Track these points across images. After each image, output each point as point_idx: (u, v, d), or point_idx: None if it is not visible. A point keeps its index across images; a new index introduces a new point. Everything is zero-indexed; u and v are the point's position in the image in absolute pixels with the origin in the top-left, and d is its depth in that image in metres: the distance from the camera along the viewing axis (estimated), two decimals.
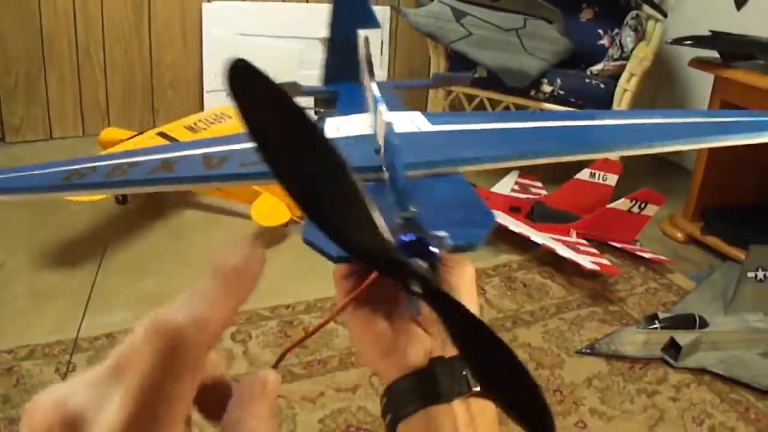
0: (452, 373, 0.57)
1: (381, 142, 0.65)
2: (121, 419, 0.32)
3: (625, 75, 3.26)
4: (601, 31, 3.65)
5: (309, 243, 0.56)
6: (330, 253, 0.55)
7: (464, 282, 0.62)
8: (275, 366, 0.64)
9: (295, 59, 4.01)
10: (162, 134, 2.91)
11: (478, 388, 0.56)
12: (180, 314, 0.35)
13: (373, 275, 0.61)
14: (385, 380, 0.61)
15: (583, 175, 3.00)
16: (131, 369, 0.33)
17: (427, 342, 0.59)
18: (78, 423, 0.33)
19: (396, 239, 0.46)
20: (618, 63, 3.37)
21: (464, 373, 0.57)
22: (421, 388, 0.57)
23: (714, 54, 2.87)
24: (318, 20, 4.06)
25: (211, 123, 3.13)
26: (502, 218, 2.81)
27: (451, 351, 0.58)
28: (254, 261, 0.40)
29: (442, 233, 0.50)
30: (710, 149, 2.72)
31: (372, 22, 1.14)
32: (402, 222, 0.50)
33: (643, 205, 2.83)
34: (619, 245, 2.92)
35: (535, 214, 2.91)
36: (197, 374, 0.35)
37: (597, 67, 3.46)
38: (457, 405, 0.56)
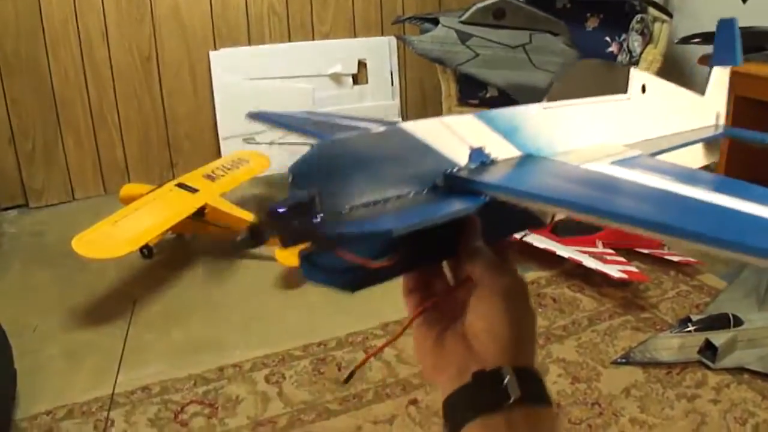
0: (492, 385, 0.60)
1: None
2: None
3: None
4: (608, 39, 3.64)
5: (312, 280, 0.62)
6: (335, 285, 0.64)
7: (483, 300, 0.65)
8: (347, 381, 0.73)
9: (308, 98, 4.04)
10: (181, 185, 2.93)
11: (519, 396, 0.60)
12: None
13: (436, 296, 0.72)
14: (442, 394, 0.65)
15: None
16: None
17: (469, 357, 0.64)
18: None
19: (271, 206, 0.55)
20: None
21: (504, 383, 0.60)
22: (466, 403, 0.62)
23: None
24: (326, 57, 4.10)
25: (229, 169, 3.15)
26: (528, 235, 2.79)
27: (492, 364, 0.62)
28: None
29: (317, 218, 0.55)
30: (730, 143, 2.69)
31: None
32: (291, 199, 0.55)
33: None
34: (646, 251, 2.90)
35: (559, 228, 2.89)
36: None
37: None
38: (503, 415, 0.59)
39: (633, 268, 2.68)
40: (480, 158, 0.68)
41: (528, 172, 0.70)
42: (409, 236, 0.60)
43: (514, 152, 0.72)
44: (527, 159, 0.72)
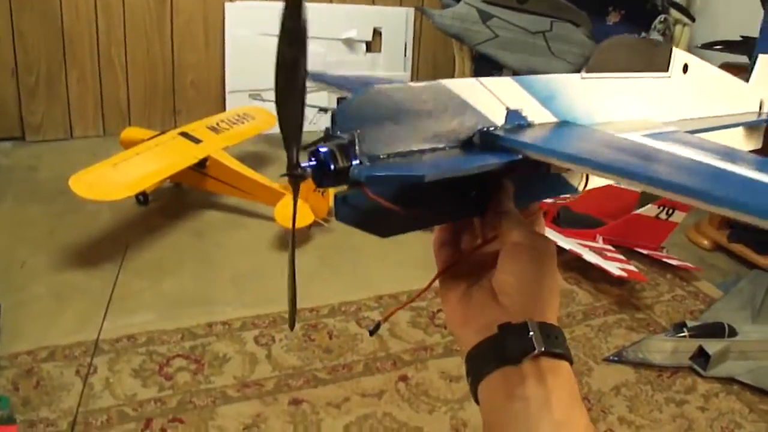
0: (519, 337, 0.62)
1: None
2: None
3: None
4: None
5: (344, 221, 0.64)
6: (366, 228, 0.65)
7: (513, 257, 0.67)
8: (372, 332, 0.79)
9: (319, 61, 3.99)
10: (184, 134, 2.89)
11: (543, 349, 0.61)
12: None
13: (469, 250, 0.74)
14: (464, 347, 0.68)
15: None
16: None
17: (497, 311, 0.65)
18: None
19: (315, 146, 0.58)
20: None
21: (530, 335, 0.62)
22: (493, 353, 0.64)
23: (744, 59, 2.83)
24: (342, 21, 4.05)
25: (234, 123, 3.11)
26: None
27: (519, 318, 0.63)
28: None
29: (355, 162, 0.57)
30: None
31: None
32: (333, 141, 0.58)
33: (670, 212, 2.80)
34: (645, 252, 2.88)
35: (561, 219, 2.87)
36: None
37: None
38: (527, 365, 0.61)
39: (632, 267, 2.67)
40: (517, 120, 0.69)
41: (564, 136, 0.72)
42: (442, 189, 0.64)
43: (550, 118, 0.73)
44: (564, 125, 0.74)
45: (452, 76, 3.61)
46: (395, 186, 0.64)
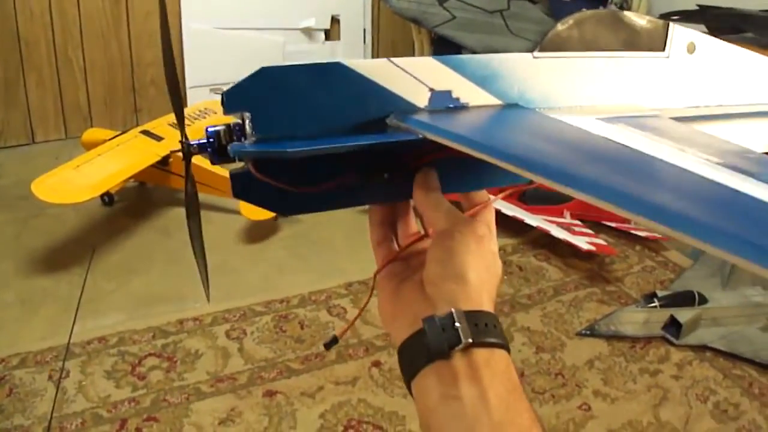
0: (444, 329, 0.58)
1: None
2: None
3: None
4: (585, 9, 3.62)
5: (241, 199, 0.64)
6: (265, 206, 0.65)
7: (436, 244, 0.64)
8: (328, 347, 0.75)
9: (278, 51, 3.98)
10: (146, 132, 2.87)
11: (471, 340, 0.57)
12: None
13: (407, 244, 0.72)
14: (395, 343, 0.64)
15: None
16: None
17: (424, 304, 0.62)
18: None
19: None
20: None
21: (455, 326, 0.58)
22: (418, 349, 0.60)
23: (702, 28, 2.84)
24: (300, 10, 4.04)
25: (195, 119, 3.08)
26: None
27: (446, 310, 0.59)
28: None
29: (242, 141, 0.60)
30: None
31: None
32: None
33: None
34: (613, 225, 2.89)
35: (527, 196, 2.88)
36: None
37: None
38: (458, 359, 0.58)
39: (600, 241, 2.68)
40: (446, 102, 0.65)
41: (498, 122, 0.67)
42: (345, 169, 0.63)
43: (492, 100, 0.67)
44: (507, 108, 0.68)
45: None
46: (283, 166, 0.61)
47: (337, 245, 2.64)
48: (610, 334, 2.23)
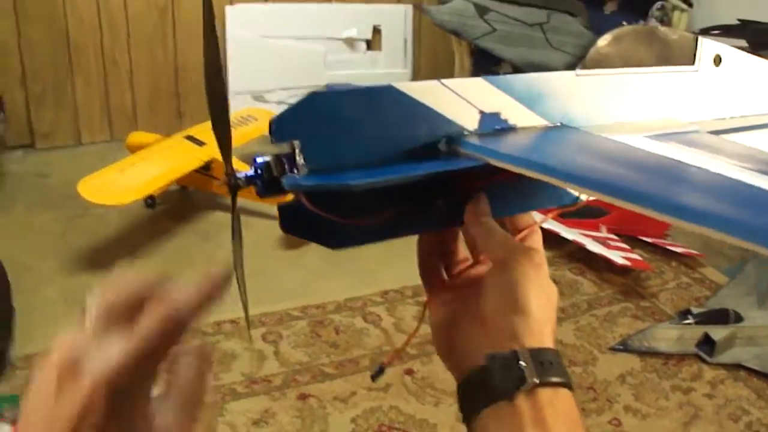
0: (509, 368, 0.56)
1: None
2: (118, 365, 0.45)
3: None
4: (626, 23, 3.62)
5: (289, 233, 0.62)
6: (314, 240, 0.62)
7: (495, 277, 0.62)
8: (375, 378, 0.74)
9: (320, 61, 4.01)
10: (189, 137, 2.92)
11: (537, 381, 0.55)
12: (181, 298, 0.50)
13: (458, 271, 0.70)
14: (456, 379, 0.62)
15: None
16: (131, 328, 0.47)
17: (484, 339, 0.60)
18: (76, 366, 0.46)
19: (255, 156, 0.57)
20: None
21: (521, 366, 0.56)
22: (482, 387, 0.58)
23: (742, 43, 2.84)
24: (342, 20, 4.07)
25: (237, 125, 3.12)
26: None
27: (509, 346, 0.58)
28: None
29: (294, 172, 0.56)
30: None
31: None
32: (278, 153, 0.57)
33: None
34: (649, 240, 2.89)
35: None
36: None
37: None
38: (521, 400, 0.55)
39: (636, 256, 2.68)
40: (495, 124, 0.64)
41: (550, 142, 0.66)
42: (397, 197, 0.61)
43: (539, 121, 0.67)
44: (556, 129, 0.67)
45: (453, 72, 3.64)
46: (340, 198, 0.59)
47: (372, 253, 2.65)
48: (643, 349, 2.23)
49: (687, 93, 0.79)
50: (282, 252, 2.73)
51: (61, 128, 3.76)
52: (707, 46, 0.80)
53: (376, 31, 4.20)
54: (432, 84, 0.61)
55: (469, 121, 0.63)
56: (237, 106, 3.77)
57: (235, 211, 0.66)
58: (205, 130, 3.01)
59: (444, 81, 0.62)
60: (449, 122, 0.62)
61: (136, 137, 3.20)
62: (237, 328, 2.23)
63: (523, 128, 0.66)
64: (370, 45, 4.22)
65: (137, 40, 3.79)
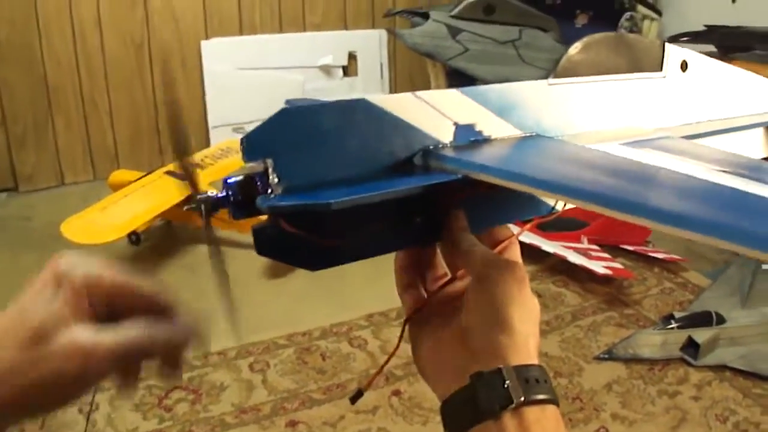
0: (493, 387, 0.55)
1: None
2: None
3: None
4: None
5: (265, 256, 0.60)
6: (291, 262, 0.60)
7: (477, 293, 0.61)
8: (354, 400, 0.70)
9: (298, 89, 4.05)
10: (170, 173, 2.93)
11: (523, 399, 0.55)
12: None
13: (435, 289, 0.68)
14: (438, 398, 0.61)
15: None
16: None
17: (468, 357, 0.59)
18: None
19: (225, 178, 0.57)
20: None
21: (506, 385, 0.55)
22: (467, 407, 0.57)
23: (711, 48, 2.88)
24: (318, 48, 4.11)
25: (218, 158, 3.15)
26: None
27: (493, 363, 0.57)
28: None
29: (268, 191, 0.55)
30: None
31: None
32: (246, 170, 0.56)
33: None
34: (631, 248, 2.91)
35: (544, 223, 2.89)
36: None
37: None
38: (507, 419, 0.55)
39: (617, 265, 2.70)
40: (470, 135, 0.64)
41: (525, 152, 0.66)
42: (374, 215, 0.59)
43: (513, 131, 0.67)
44: (530, 138, 0.67)
45: None
46: (317, 218, 0.57)
47: (356, 277, 2.67)
48: (629, 357, 2.24)
49: (656, 99, 0.80)
50: (266, 281, 2.74)
51: (44, 170, 3.78)
52: (674, 53, 0.82)
53: (352, 57, 4.24)
54: (406, 97, 0.61)
55: (444, 133, 0.63)
56: (217, 139, 3.81)
57: (209, 234, 0.66)
58: None
59: (418, 93, 0.62)
60: (424, 135, 0.62)
61: (119, 175, 3.21)
62: (224, 360, 2.24)
63: (498, 139, 0.66)
64: (347, 71, 4.26)
65: (115, 79, 3.82)
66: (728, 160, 0.65)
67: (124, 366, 0.57)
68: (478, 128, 0.65)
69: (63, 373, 0.52)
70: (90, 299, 0.56)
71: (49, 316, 0.53)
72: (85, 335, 0.53)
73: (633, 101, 0.78)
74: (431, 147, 0.62)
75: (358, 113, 0.59)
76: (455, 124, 0.63)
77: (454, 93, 0.64)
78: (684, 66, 0.82)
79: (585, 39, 0.75)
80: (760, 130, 0.95)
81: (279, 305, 2.56)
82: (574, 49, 0.74)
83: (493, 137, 0.66)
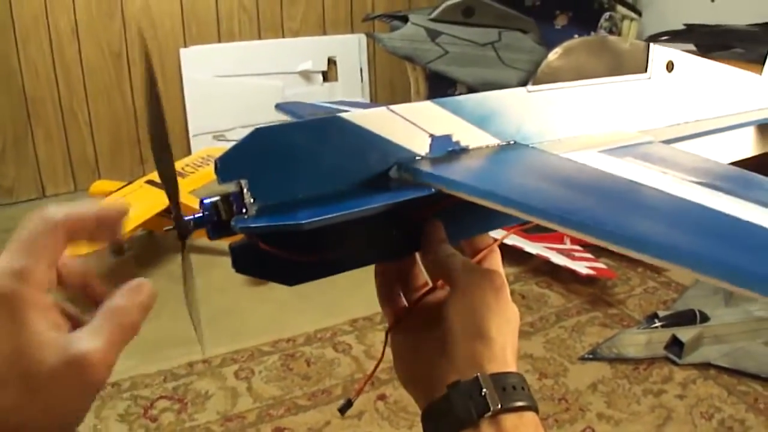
0: (471, 396, 0.56)
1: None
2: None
3: None
4: (577, 36, 3.67)
5: (243, 273, 0.60)
6: (268, 278, 0.61)
7: (455, 301, 0.61)
8: (343, 411, 0.73)
9: (278, 96, 4.04)
10: (151, 182, 2.92)
11: (499, 406, 0.55)
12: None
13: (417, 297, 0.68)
14: (419, 407, 0.61)
15: None
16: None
17: (445, 366, 0.59)
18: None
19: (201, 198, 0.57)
20: None
21: (483, 393, 0.55)
22: (443, 416, 0.57)
23: (690, 47, 2.89)
24: (297, 53, 4.11)
25: (199, 166, 3.14)
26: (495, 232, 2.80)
27: (470, 372, 0.57)
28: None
29: (243, 212, 0.56)
30: None
31: None
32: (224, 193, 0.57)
33: None
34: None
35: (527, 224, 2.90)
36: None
37: None
38: (485, 427, 0.55)
39: (601, 265, 2.70)
40: (446, 146, 0.64)
41: (498, 165, 0.65)
42: (350, 231, 0.59)
43: (491, 140, 0.67)
44: (509, 147, 0.67)
45: (410, 98, 3.67)
46: (292, 237, 0.57)
47: (340, 283, 2.63)
48: (613, 357, 2.24)
49: (641, 101, 0.80)
50: (250, 288, 2.73)
51: (24, 182, 3.76)
52: (659, 53, 0.81)
53: (332, 62, 4.24)
54: (380, 111, 0.61)
55: (419, 145, 0.63)
56: (198, 147, 3.79)
57: (185, 260, 0.65)
58: None
59: (392, 107, 0.62)
60: (400, 148, 0.62)
61: (99, 186, 3.20)
62: (209, 368, 2.24)
63: (476, 149, 0.66)
64: (327, 76, 4.26)
65: (94, 89, 3.80)
66: (706, 169, 0.65)
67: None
68: (455, 139, 0.65)
69: (71, 392, 0.49)
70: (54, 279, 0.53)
71: (29, 346, 0.47)
72: (77, 346, 0.49)
73: (616, 104, 0.77)
74: (407, 159, 0.62)
75: (331, 131, 0.59)
76: (431, 135, 0.63)
77: (428, 105, 0.64)
78: (670, 66, 0.82)
79: (565, 44, 0.74)
80: (750, 127, 0.94)
81: (263, 312, 2.55)
82: (554, 54, 0.73)
83: (470, 147, 0.65)
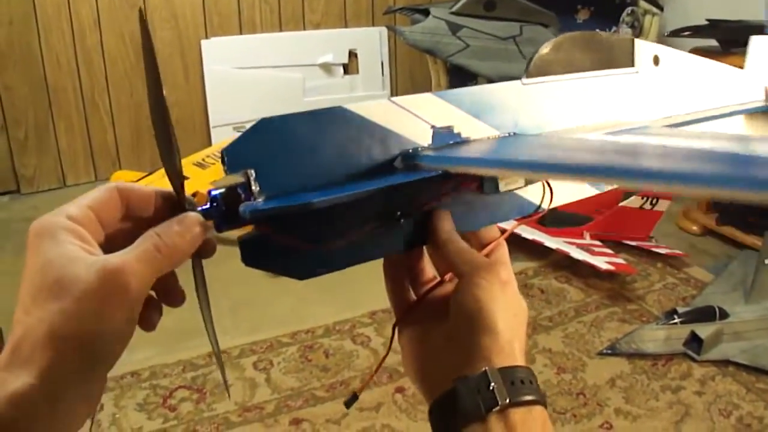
0: (479, 390, 0.56)
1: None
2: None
3: None
4: (598, 31, 3.66)
5: (253, 267, 0.59)
6: (280, 272, 0.60)
7: (463, 295, 0.61)
8: (348, 405, 0.73)
9: (298, 88, 4.05)
10: None
11: (508, 400, 0.55)
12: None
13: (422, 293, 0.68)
14: (427, 401, 0.61)
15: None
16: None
17: (453, 360, 0.59)
18: None
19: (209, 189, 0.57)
20: None
21: (491, 387, 0.55)
22: (451, 410, 0.57)
23: (712, 42, 2.87)
24: (318, 46, 4.11)
25: (217, 159, 3.15)
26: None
27: (478, 366, 0.57)
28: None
29: (251, 201, 0.56)
30: None
31: None
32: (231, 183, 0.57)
33: (654, 201, 2.83)
34: (634, 243, 2.91)
35: (547, 219, 2.90)
36: None
37: None
38: (493, 422, 0.55)
39: (620, 260, 2.70)
40: (448, 138, 0.64)
41: (509, 147, 0.66)
42: (358, 218, 0.60)
43: (491, 132, 0.67)
44: (509, 137, 0.68)
45: (431, 89, 3.66)
46: (302, 222, 0.58)
47: (359, 275, 2.64)
48: (632, 352, 2.24)
49: (631, 94, 0.81)
50: (269, 280, 2.72)
51: (46, 172, 3.79)
52: (644, 48, 0.82)
53: (353, 55, 4.24)
54: (382, 103, 0.62)
55: (421, 136, 0.63)
56: (218, 138, 3.80)
57: (197, 267, 0.65)
58: (187, 164, 3.03)
59: (394, 99, 0.62)
60: (403, 139, 0.62)
61: (120, 176, 3.22)
62: (228, 358, 2.24)
63: (477, 140, 0.66)
64: (347, 69, 4.26)
65: (115, 79, 3.82)
66: (713, 134, 0.68)
67: (159, 280, 0.57)
68: (456, 130, 0.65)
69: (106, 302, 0.51)
70: (97, 226, 0.56)
71: (62, 258, 0.52)
72: (110, 260, 0.52)
73: (608, 97, 0.78)
74: (410, 150, 0.62)
75: (336, 121, 0.59)
76: (433, 127, 0.64)
77: (429, 97, 0.65)
78: (656, 60, 0.83)
79: (555, 38, 0.75)
80: (740, 121, 0.95)
81: (282, 303, 2.56)
82: (545, 48, 0.73)
83: (471, 138, 0.66)
